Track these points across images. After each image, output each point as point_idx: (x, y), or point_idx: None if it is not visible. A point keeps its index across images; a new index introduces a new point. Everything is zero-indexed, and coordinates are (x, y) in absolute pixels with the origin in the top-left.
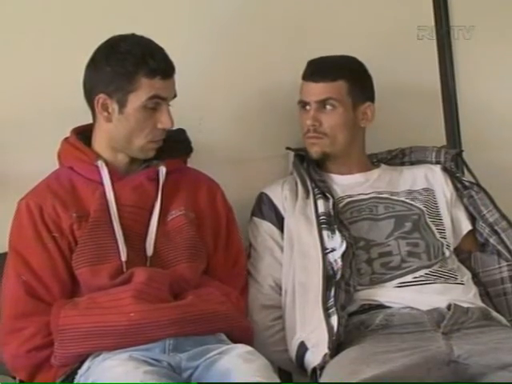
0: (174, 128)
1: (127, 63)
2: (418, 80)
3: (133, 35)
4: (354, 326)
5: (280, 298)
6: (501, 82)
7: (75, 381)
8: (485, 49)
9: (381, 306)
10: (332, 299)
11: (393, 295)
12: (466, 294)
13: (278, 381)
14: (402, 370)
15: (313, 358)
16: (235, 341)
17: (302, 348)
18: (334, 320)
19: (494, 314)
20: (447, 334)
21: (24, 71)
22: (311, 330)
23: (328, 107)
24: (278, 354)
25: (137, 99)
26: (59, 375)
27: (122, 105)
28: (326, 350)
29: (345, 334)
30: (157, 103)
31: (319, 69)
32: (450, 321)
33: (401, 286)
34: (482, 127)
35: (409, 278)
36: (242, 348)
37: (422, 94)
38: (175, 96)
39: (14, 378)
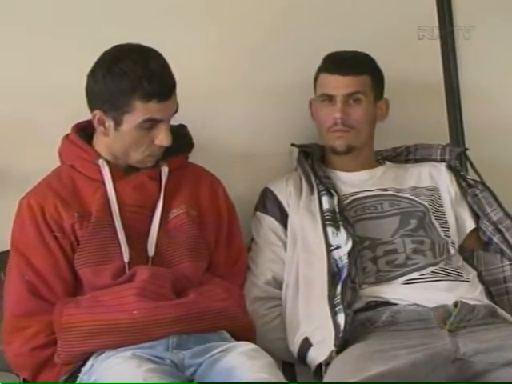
0: (175, 124)
1: (123, 85)
2: (421, 79)
3: (135, 49)
4: (359, 322)
5: (276, 291)
6: (504, 80)
7: (78, 379)
8: (486, 48)
9: (387, 303)
10: (339, 296)
11: (399, 292)
12: (472, 292)
13: (283, 378)
14: (408, 367)
15: (317, 355)
16: (238, 338)
17: (306, 344)
18: (341, 317)
19: (500, 311)
20: (453, 331)
21: (25, 69)
22: (316, 326)
23: (354, 101)
24: (276, 343)
25: (132, 120)
26: (62, 373)
27: (117, 123)
28: (333, 347)
29: (351, 331)
30: (152, 124)
31: (345, 62)
32: (456, 318)
33: (407, 283)
34: (485, 125)
35: (415, 275)
36: (246, 346)
37: (424, 93)
38: (177, 111)
39: (19, 375)
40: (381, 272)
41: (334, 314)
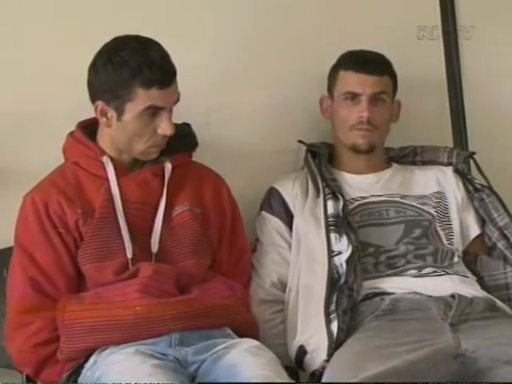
0: (179, 122)
1: (124, 73)
2: (422, 79)
3: (135, 39)
4: (359, 311)
5: (281, 294)
6: (504, 80)
7: (81, 375)
8: (486, 48)
9: (384, 293)
10: (334, 304)
11: (396, 281)
12: (469, 285)
13: (286, 375)
14: (408, 365)
15: (311, 363)
16: (241, 335)
17: (301, 351)
18: (335, 326)
19: (499, 303)
20: (454, 325)
21: (29, 65)
22: (311, 334)
23: (378, 100)
24: (279, 348)
25: (134, 108)
26: (65, 370)
27: (119, 113)
28: (325, 357)
29: (348, 324)
30: (154, 112)
31: (370, 61)
32: (456, 311)
33: (404, 276)
34: (489, 127)
35: (413, 272)
36: (249, 342)
37: (425, 93)
38: (178, 100)
39: (22, 372)
40: (379, 272)
41: (328, 322)
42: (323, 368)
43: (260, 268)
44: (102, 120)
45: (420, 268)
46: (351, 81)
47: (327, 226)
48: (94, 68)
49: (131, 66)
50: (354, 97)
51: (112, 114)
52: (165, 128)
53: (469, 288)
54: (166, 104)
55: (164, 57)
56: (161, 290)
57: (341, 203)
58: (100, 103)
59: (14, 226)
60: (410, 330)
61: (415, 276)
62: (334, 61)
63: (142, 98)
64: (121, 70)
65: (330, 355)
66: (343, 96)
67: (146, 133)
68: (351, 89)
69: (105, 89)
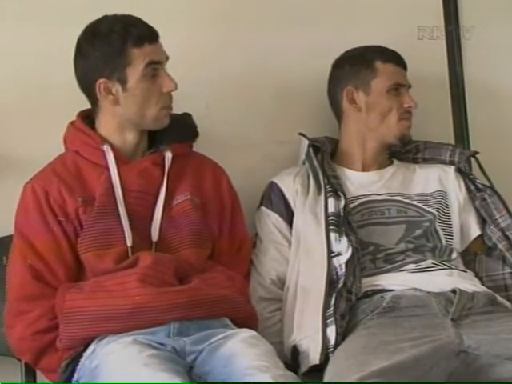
0: (180, 112)
1: (113, 41)
2: (422, 79)
3: (107, 16)
4: (359, 309)
5: (280, 292)
6: (505, 80)
7: (80, 364)
8: (486, 48)
9: (383, 290)
10: (332, 308)
11: (395, 277)
12: (468, 280)
13: (282, 365)
14: (411, 360)
15: (302, 364)
16: (240, 326)
17: (294, 351)
18: (332, 330)
19: (500, 298)
20: (456, 320)
21: (30, 52)
22: (305, 336)
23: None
24: (276, 346)
25: (135, 71)
26: (64, 358)
27: (123, 82)
28: (317, 361)
29: (345, 326)
30: (154, 69)
31: (400, 57)
32: (457, 306)
33: (403, 271)
34: (491, 127)
35: (412, 266)
36: (247, 333)
37: (425, 93)
38: (168, 58)
39: (20, 360)
40: (377, 269)
41: (324, 327)
42: (311, 371)
43: (259, 265)
44: (109, 98)
45: (418, 261)
46: (394, 72)
47: (327, 225)
48: (82, 54)
49: (117, 31)
50: (396, 88)
51: (116, 87)
52: (168, 84)
53: (468, 283)
54: (160, 57)
55: (139, 18)
56: (160, 280)
57: (342, 202)
58: (102, 81)
59: (14, 214)
60: (412, 326)
61: (414, 271)
62: (333, 57)
63: (139, 58)
64: (109, 40)
65: (321, 361)
66: (388, 88)
67: (153, 95)
68: (399, 80)
69: (101, 65)
